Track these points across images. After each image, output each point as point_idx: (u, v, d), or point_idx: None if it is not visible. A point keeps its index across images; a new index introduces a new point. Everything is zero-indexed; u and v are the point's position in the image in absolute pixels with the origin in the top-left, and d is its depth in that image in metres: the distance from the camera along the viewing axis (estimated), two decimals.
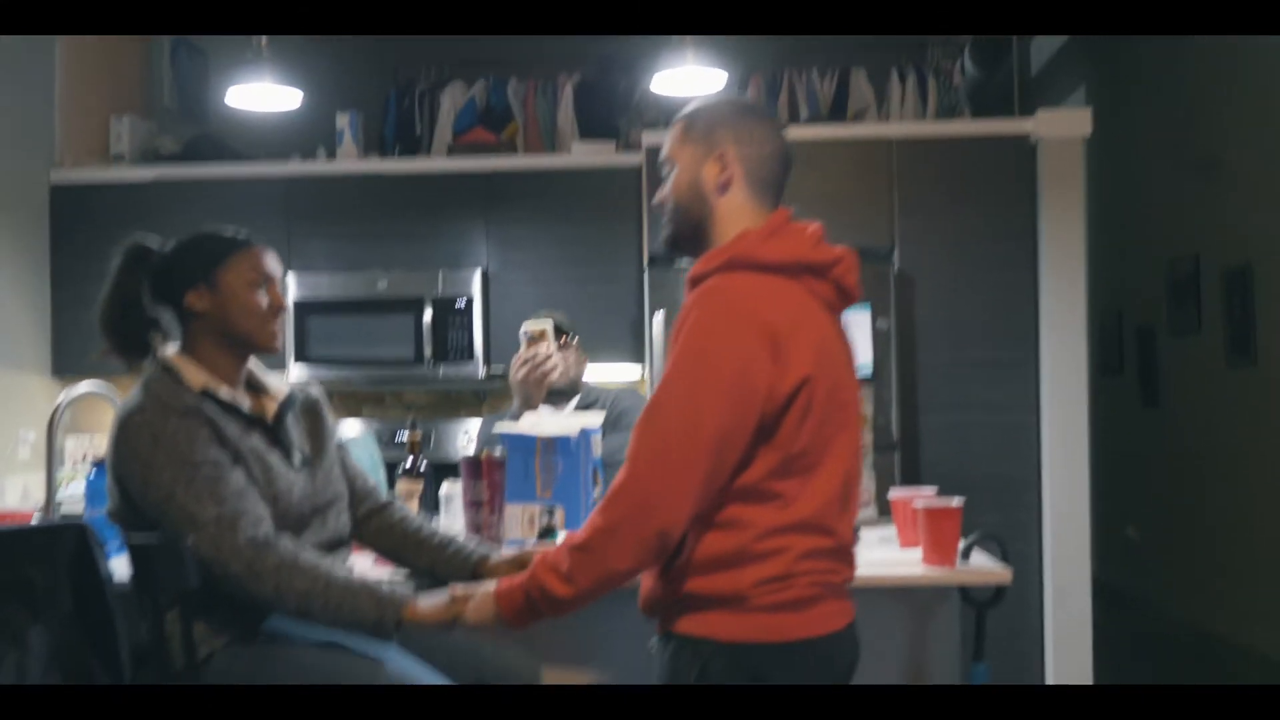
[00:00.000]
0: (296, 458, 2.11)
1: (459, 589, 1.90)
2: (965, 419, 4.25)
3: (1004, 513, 4.09)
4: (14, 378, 4.55)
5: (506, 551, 2.25)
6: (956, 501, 2.30)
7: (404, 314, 4.57)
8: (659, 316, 4.23)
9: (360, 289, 4.57)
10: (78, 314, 4.73)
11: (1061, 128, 4.27)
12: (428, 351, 4.57)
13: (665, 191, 1.88)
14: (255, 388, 2.18)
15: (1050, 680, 4.10)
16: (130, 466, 1.95)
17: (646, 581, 1.83)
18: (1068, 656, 4.10)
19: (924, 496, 2.50)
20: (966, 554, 2.34)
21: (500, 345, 4.61)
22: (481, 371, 4.58)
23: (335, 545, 2.13)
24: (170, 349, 2.13)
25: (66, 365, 4.74)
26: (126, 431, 1.96)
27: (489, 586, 1.84)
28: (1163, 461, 6.41)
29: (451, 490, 3.07)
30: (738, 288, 1.74)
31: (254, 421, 2.09)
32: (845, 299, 1.87)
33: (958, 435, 4.24)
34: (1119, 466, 6.17)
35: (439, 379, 4.61)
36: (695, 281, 1.80)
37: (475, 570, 2.18)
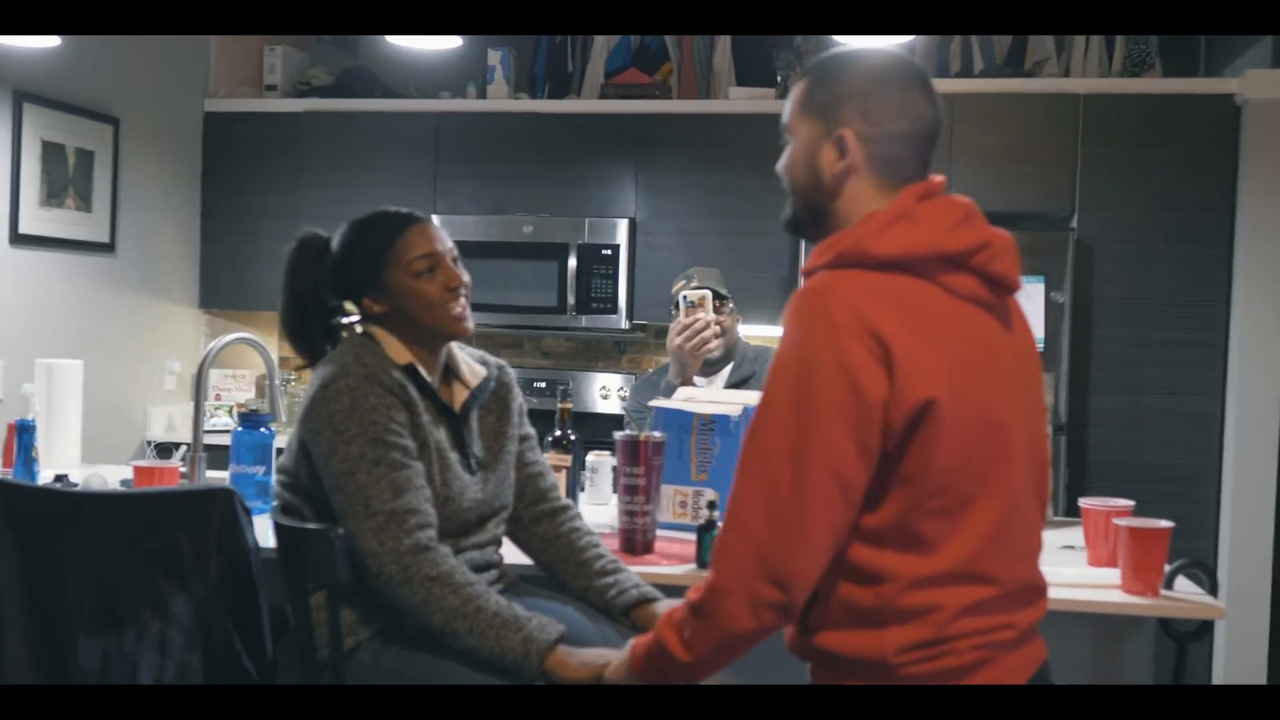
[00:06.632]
0: (474, 461, 2.00)
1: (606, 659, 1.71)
2: (1140, 403, 3.97)
3: (1176, 505, 3.77)
4: (161, 307, 4.57)
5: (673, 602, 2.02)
6: (1165, 523, 2.07)
7: (549, 260, 4.44)
8: None
9: (505, 233, 4.45)
10: (226, 245, 4.73)
11: (1272, 89, 3.89)
12: (571, 300, 4.43)
13: (781, 165, 1.58)
14: (449, 370, 2.04)
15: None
16: (321, 429, 1.85)
17: (788, 627, 1.58)
18: (1240, 662, 3.82)
19: (1120, 510, 2.27)
20: (1170, 581, 2.11)
21: (645, 297, 4.45)
22: (625, 323, 4.43)
23: (486, 545, 2.01)
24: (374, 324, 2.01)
25: (212, 297, 4.75)
26: (326, 393, 1.86)
27: (628, 649, 1.64)
28: None
29: (598, 461, 2.94)
30: (843, 287, 1.42)
31: (444, 411, 1.98)
32: (1000, 289, 1.50)
33: (1131, 420, 3.97)
34: None
35: (580, 328, 4.48)
36: (807, 277, 1.51)
37: (630, 614, 1.96)
